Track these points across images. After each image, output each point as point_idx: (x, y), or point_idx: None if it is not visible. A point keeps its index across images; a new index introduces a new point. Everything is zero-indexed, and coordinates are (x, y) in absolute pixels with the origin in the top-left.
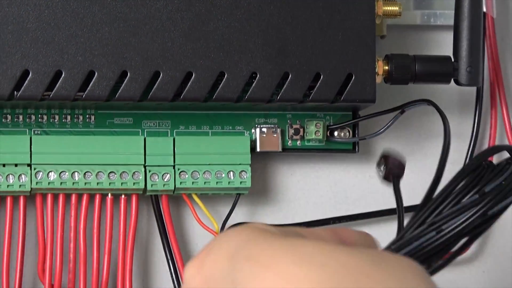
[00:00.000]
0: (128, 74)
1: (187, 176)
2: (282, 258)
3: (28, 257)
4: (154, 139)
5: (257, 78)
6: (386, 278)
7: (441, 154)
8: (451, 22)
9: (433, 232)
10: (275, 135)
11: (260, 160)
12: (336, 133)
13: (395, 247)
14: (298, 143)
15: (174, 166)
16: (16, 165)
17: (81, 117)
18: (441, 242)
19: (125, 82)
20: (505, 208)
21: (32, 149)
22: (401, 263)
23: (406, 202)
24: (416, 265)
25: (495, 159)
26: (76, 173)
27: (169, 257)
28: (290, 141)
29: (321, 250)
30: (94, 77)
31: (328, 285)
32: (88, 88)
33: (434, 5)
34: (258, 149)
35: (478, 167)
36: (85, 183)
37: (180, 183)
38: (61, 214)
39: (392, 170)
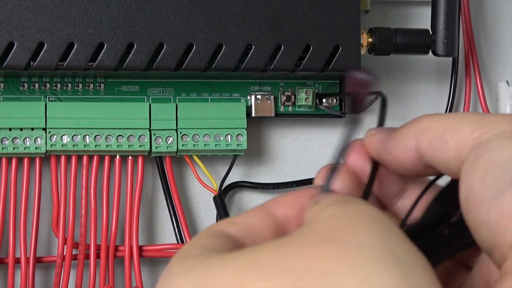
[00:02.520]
0: (135, 45)
1: (188, 139)
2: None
3: (44, 213)
4: (159, 105)
5: (252, 49)
6: (340, 265)
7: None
8: None
9: None
10: (269, 102)
11: (255, 124)
12: (324, 100)
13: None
14: (289, 108)
15: (176, 130)
16: (32, 129)
17: (91, 85)
18: None
19: (132, 53)
20: None
21: (47, 115)
22: (352, 230)
23: None
24: (370, 213)
25: None
26: (87, 136)
27: (172, 213)
28: (282, 107)
29: (276, 261)
30: (104, 49)
31: None
32: (98, 59)
33: None
34: (253, 114)
35: None
36: (96, 146)
37: (182, 145)
38: (73, 173)
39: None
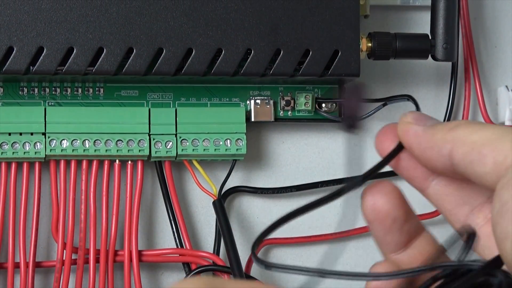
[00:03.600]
0: (134, 50)
1: (188, 143)
2: None
3: (43, 217)
4: (158, 110)
5: (251, 54)
6: None
7: None
8: (428, 2)
9: None
10: (268, 106)
11: (254, 129)
12: (324, 105)
13: None
14: (289, 113)
15: (176, 135)
16: (31, 133)
17: (91, 90)
18: None
19: (131, 57)
20: None
21: (46, 119)
22: None
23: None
24: None
25: None
26: (86, 141)
27: (171, 218)
28: (281, 112)
29: None
30: (103, 53)
31: None
32: (98, 63)
33: None
34: (252, 119)
35: None
36: (95, 150)
37: (182, 150)
38: (73, 178)
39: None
